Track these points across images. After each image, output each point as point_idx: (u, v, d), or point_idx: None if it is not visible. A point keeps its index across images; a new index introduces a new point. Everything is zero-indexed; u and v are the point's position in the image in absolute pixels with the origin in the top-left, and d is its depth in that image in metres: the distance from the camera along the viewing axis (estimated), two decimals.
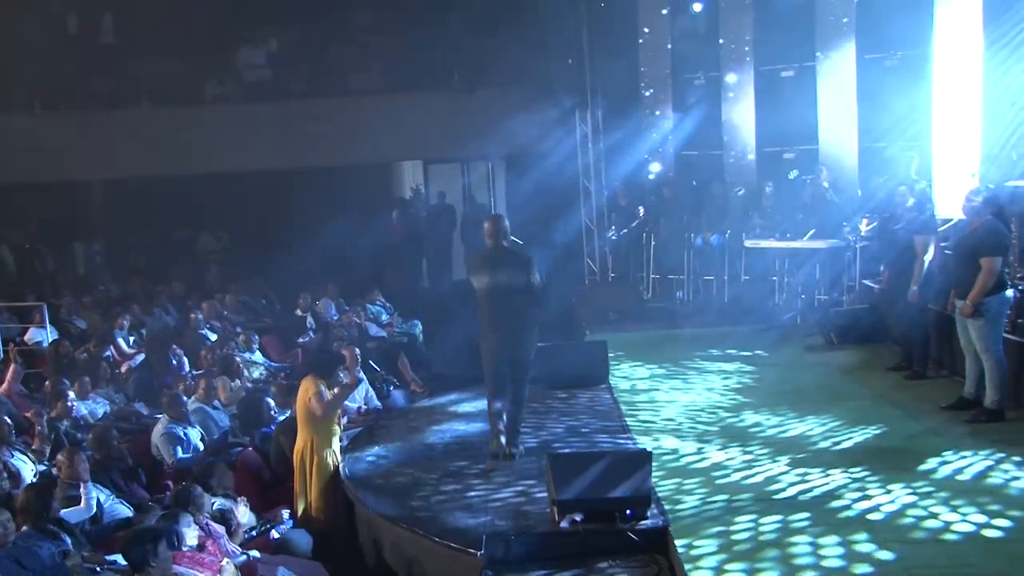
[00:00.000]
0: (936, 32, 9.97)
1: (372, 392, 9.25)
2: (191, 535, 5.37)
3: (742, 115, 13.01)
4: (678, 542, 5.18)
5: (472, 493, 6.25)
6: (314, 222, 14.80)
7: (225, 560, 5.31)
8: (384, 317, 12.77)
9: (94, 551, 5.80)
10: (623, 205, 13.78)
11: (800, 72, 12.59)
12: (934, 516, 5.38)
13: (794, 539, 5.19)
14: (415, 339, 12.27)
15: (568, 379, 8.74)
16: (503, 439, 6.74)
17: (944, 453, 6.38)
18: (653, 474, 5.67)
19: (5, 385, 9.12)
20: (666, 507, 5.67)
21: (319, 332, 11.81)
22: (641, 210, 13.33)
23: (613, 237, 13.72)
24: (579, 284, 13.90)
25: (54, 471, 6.57)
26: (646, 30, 13.74)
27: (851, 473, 6.08)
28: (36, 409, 7.85)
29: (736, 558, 5.00)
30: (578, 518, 5.44)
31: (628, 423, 7.64)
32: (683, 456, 6.74)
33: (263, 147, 14.78)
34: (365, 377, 9.10)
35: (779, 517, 5.46)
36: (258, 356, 10.81)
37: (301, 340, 11.68)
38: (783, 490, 5.91)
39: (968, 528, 5.22)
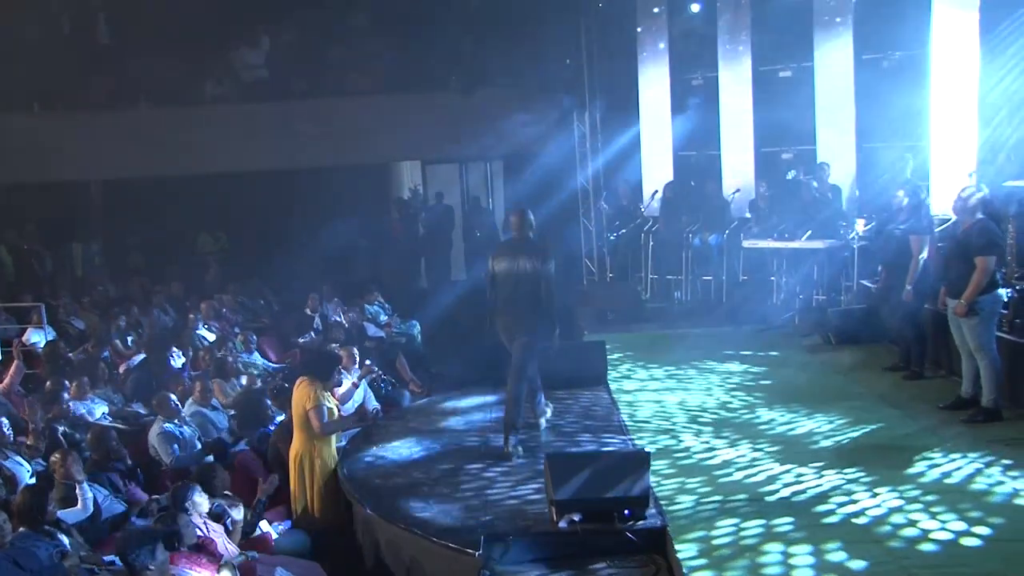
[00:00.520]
0: (933, 33, 9.98)
1: (371, 393, 9.24)
2: (189, 536, 5.37)
3: (740, 115, 13.01)
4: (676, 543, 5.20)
5: (470, 493, 6.25)
6: (313, 223, 14.82)
7: (223, 560, 5.32)
8: (383, 317, 12.78)
9: (92, 550, 5.81)
10: (624, 204, 13.78)
11: (798, 72, 12.59)
12: (934, 516, 5.39)
13: (794, 540, 5.20)
14: (413, 339, 12.29)
15: (566, 379, 8.74)
16: (512, 440, 6.95)
17: (941, 453, 6.39)
18: (651, 474, 5.67)
19: (6, 382, 9.14)
20: (663, 507, 5.68)
21: (322, 333, 11.81)
22: (658, 193, 13.26)
23: (611, 237, 13.73)
24: (577, 284, 13.90)
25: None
26: (644, 31, 13.74)
27: (846, 474, 6.09)
28: (29, 400, 7.85)
29: (734, 558, 5.00)
30: (576, 518, 5.44)
31: (626, 423, 7.64)
32: (681, 456, 6.74)
33: (262, 147, 14.77)
34: (364, 380, 9.09)
35: (780, 519, 5.47)
36: (256, 357, 10.81)
37: (301, 340, 11.68)
38: (779, 491, 5.92)
39: (966, 527, 5.23)
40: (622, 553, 5.32)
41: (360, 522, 6.43)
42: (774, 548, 5.10)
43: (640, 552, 5.32)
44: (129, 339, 11.31)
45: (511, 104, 13.97)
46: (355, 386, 8.40)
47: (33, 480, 6.69)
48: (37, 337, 11.05)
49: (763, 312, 11.17)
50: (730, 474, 6.29)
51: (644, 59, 13.78)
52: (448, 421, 8.14)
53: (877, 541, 5.10)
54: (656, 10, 13.64)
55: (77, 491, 6.21)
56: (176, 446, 7.55)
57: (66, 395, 8.32)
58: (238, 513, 6.19)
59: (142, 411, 8.77)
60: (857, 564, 4.87)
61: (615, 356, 9.66)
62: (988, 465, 6.11)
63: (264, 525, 6.56)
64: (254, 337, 11.08)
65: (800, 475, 6.15)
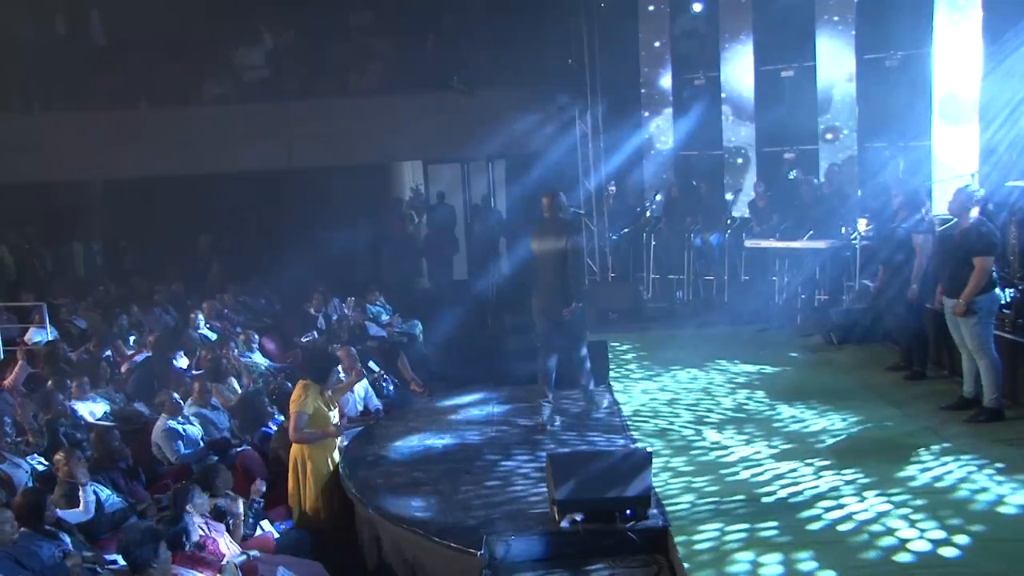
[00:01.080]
0: (936, 32, 9.97)
1: (372, 392, 9.25)
2: (191, 535, 5.36)
3: (742, 115, 13.01)
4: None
5: (472, 493, 6.25)
6: (314, 222, 14.80)
7: (225, 559, 5.32)
8: (384, 317, 12.78)
9: (94, 548, 5.81)
10: (630, 203, 13.78)
11: (800, 72, 12.59)
12: (935, 515, 5.38)
13: (796, 541, 5.20)
14: (415, 339, 12.28)
15: (568, 379, 8.73)
16: (546, 412, 7.60)
17: (942, 454, 6.38)
18: (653, 474, 5.67)
19: (10, 380, 9.14)
20: (665, 506, 5.67)
21: (325, 333, 11.81)
22: (657, 196, 13.29)
23: (613, 237, 13.73)
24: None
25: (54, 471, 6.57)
26: (645, 30, 13.74)
27: (844, 475, 6.09)
28: (21, 400, 7.87)
29: (736, 559, 5.00)
30: (578, 518, 5.44)
31: (628, 423, 7.64)
32: (682, 455, 6.74)
33: (261, 148, 14.77)
34: (365, 376, 9.10)
35: (779, 520, 5.47)
36: (258, 356, 10.81)
37: (303, 339, 11.67)
38: (776, 491, 5.91)
39: (966, 526, 5.23)
40: (624, 553, 5.31)
41: (362, 522, 6.43)
42: (775, 549, 5.10)
43: (642, 552, 5.32)
44: (131, 339, 11.31)
45: (513, 104, 13.96)
46: (351, 390, 8.40)
47: (31, 480, 6.70)
48: (40, 336, 11.06)
49: (765, 312, 11.17)
50: (731, 474, 6.28)
51: (646, 59, 13.78)
52: (450, 421, 8.13)
53: (879, 541, 5.10)
54: (658, 10, 13.64)
55: (80, 493, 6.21)
56: (180, 443, 7.56)
57: (62, 396, 8.31)
58: (239, 512, 6.18)
59: (144, 410, 8.77)
60: (858, 563, 4.87)
61: (616, 356, 9.65)
62: (988, 466, 6.09)
63: (266, 525, 6.56)
64: (256, 336, 11.08)
65: (800, 475, 6.14)
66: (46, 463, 7.07)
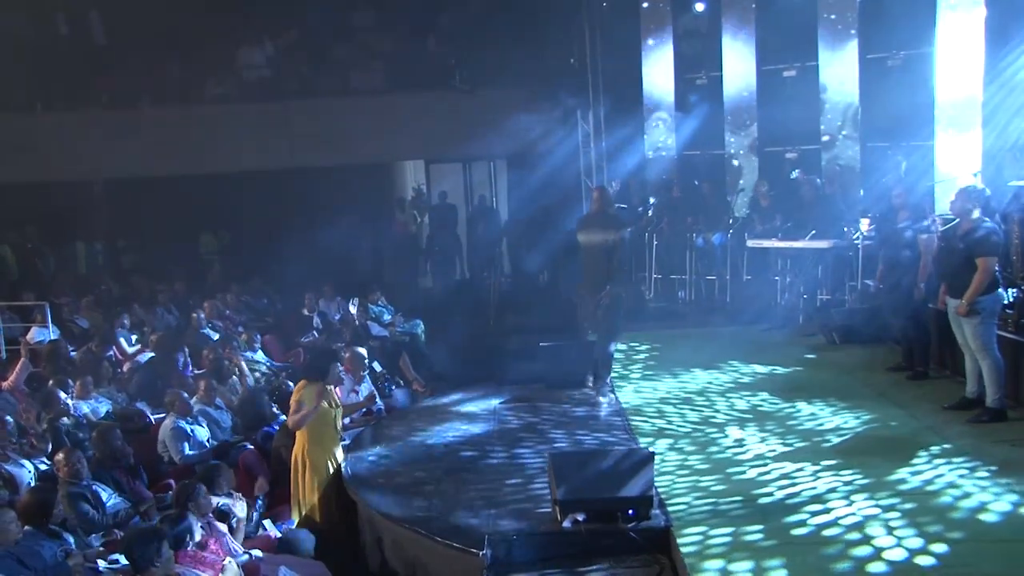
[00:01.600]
0: (939, 32, 9.96)
1: (375, 391, 9.24)
2: (194, 535, 5.36)
3: (744, 114, 13.00)
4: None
5: (474, 493, 6.24)
6: (316, 222, 14.80)
7: (227, 559, 5.31)
8: (386, 317, 12.78)
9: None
10: (634, 203, 13.77)
11: (802, 72, 12.57)
12: (934, 517, 5.37)
13: (795, 541, 5.20)
14: (417, 339, 12.28)
15: (569, 379, 8.74)
16: (591, 376, 8.34)
17: (944, 452, 6.38)
18: (654, 474, 5.66)
19: (12, 379, 9.15)
20: (666, 506, 5.67)
21: (324, 332, 11.81)
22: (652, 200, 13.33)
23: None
24: (581, 284, 13.86)
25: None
26: (648, 29, 13.73)
27: (841, 476, 6.07)
28: (26, 405, 7.87)
29: (738, 559, 5.00)
30: (580, 518, 5.43)
31: (629, 423, 7.63)
32: (683, 455, 6.73)
33: (263, 147, 14.78)
34: (368, 378, 9.09)
35: (780, 520, 5.47)
36: (260, 356, 10.81)
37: (304, 340, 11.68)
38: (774, 492, 5.89)
39: (967, 526, 5.24)
40: (626, 553, 5.31)
41: (364, 521, 6.43)
42: (776, 549, 5.09)
43: (644, 552, 5.31)
44: (133, 338, 11.31)
45: (515, 103, 13.97)
46: (355, 392, 8.42)
47: (35, 480, 6.71)
48: (42, 336, 11.07)
49: (767, 312, 11.16)
50: (730, 474, 6.27)
51: (648, 58, 13.77)
52: (451, 420, 8.13)
53: (880, 540, 5.09)
54: (660, 9, 13.63)
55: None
56: (186, 444, 7.57)
57: (63, 394, 8.31)
58: (242, 511, 6.19)
59: (146, 410, 8.78)
60: (853, 562, 4.87)
61: (620, 355, 9.64)
62: (983, 468, 6.07)
63: (268, 525, 6.56)
64: (258, 336, 11.08)
65: (803, 476, 6.13)
66: (48, 462, 7.07)
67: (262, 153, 14.82)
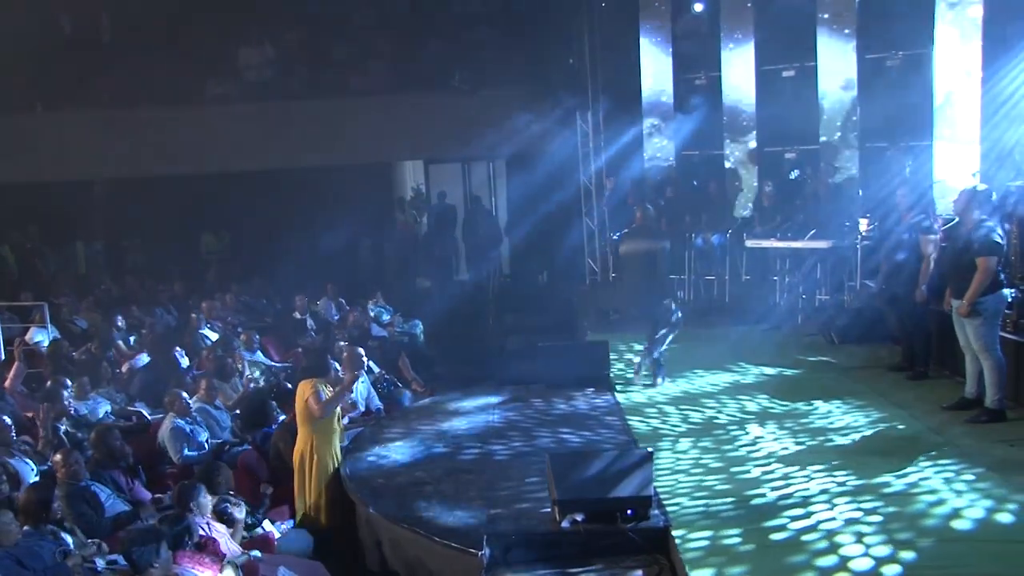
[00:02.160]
0: (937, 32, 9.96)
1: (373, 392, 9.25)
2: (193, 535, 5.36)
3: (743, 115, 13.00)
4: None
5: (473, 493, 6.25)
6: (315, 222, 14.82)
7: (226, 560, 5.31)
8: (385, 317, 12.78)
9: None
10: (630, 204, 13.77)
11: (801, 72, 12.57)
12: (936, 515, 5.38)
13: (798, 542, 5.20)
14: (416, 339, 12.29)
15: (570, 379, 8.74)
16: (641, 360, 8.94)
17: (942, 453, 6.38)
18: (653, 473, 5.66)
19: (8, 382, 9.13)
20: (665, 507, 5.67)
21: (320, 332, 11.81)
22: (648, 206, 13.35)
23: (615, 237, 13.72)
24: (580, 284, 13.90)
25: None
26: (646, 30, 13.73)
27: (837, 477, 6.07)
28: (36, 410, 7.85)
29: (737, 559, 5.00)
30: (579, 518, 5.43)
31: (629, 423, 7.64)
32: (683, 455, 6.74)
33: (263, 147, 14.77)
34: (367, 377, 9.09)
35: (778, 520, 5.47)
36: (259, 356, 10.81)
37: (303, 341, 11.68)
38: (774, 493, 5.90)
39: (968, 526, 5.24)
40: (625, 553, 5.31)
41: (363, 522, 6.43)
42: (776, 549, 5.10)
43: (643, 552, 5.31)
44: (132, 339, 11.30)
45: (514, 103, 13.96)
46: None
47: (37, 478, 6.70)
48: (40, 336, 11.06)
49: (766, 312, 11.16)
50: (728, 475, 6.27)
51: (647, 58, 13.77)
52: (451, 421, 8.13)
53: (880, 539, 5.10)
54: (659, 9, 13.63)
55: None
56: (185, 445, 7.57)
57: (65, 393, 8.31)
58: (240, 512, 6.18)
59: (145, 410, 8.78)
60: (853, 561, 4.87)
61: (616, 356, 9.64)
62: (986, 465, 6.08)
63: (267, 525, 6.56)
64: (257, 336, 11.08)
65: (804, 476, 6.14)
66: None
67: (262, 153, 14.81)
